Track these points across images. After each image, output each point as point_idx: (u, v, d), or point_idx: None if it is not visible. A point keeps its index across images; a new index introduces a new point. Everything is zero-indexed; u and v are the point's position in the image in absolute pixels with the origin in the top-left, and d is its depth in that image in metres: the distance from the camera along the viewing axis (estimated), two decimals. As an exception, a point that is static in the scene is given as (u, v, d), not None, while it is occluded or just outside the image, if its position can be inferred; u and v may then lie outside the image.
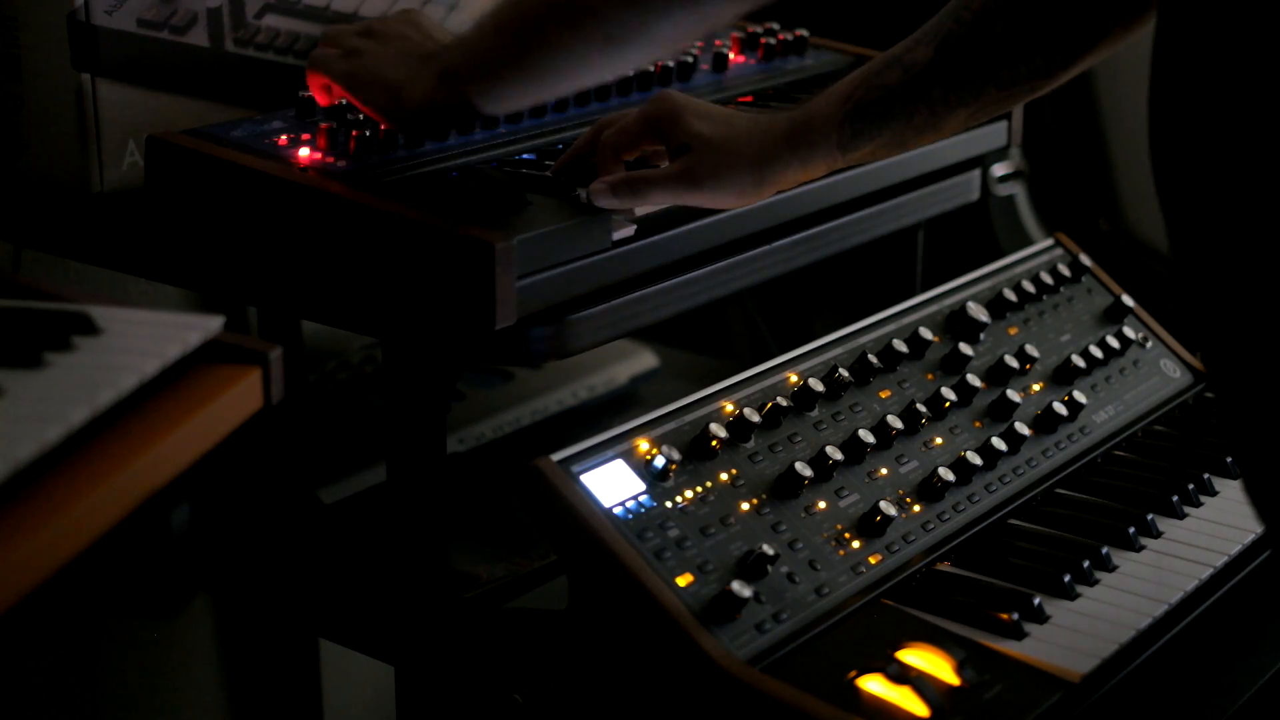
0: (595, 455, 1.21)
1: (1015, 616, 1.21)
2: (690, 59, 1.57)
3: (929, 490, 1.33)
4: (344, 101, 1.39)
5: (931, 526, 1.31)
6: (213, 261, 1.35)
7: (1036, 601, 1.22)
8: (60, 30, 1.37)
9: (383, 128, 1.33)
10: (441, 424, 1.30)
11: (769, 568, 1.19)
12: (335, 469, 1.54)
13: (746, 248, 1.42)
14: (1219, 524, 1.38)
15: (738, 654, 1.14)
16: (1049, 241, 1.65)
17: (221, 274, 1.35)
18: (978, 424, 1.42)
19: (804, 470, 1.27)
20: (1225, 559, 1.33)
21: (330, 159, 1.31)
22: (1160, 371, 1.59)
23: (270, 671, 1.88)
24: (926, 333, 1.44)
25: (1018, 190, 2.30)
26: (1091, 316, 1.60)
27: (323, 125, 1.33)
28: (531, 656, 1.29)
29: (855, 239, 1.54)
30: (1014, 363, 1.47)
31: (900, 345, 1.42)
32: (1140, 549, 1.33)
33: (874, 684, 1.13)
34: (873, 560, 1.26)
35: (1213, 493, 1.42)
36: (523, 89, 1.24)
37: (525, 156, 1.38)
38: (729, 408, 1.30)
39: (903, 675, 1.13)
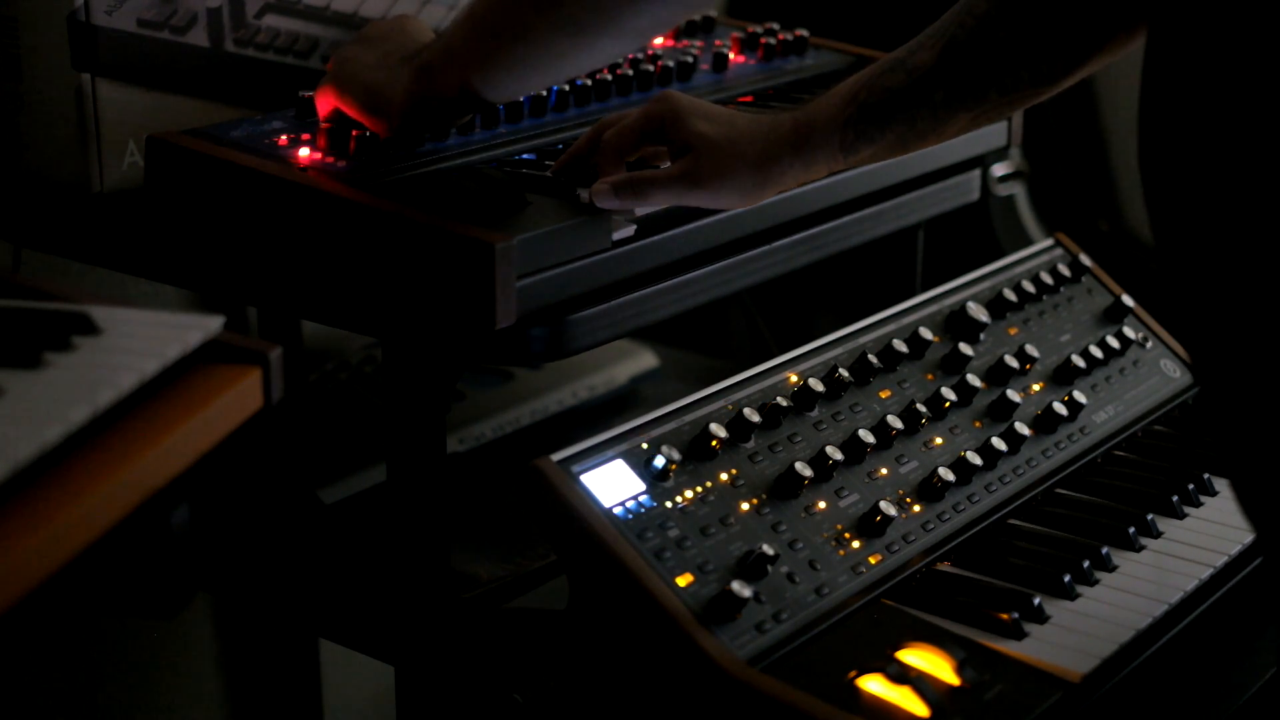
0: (595, 455, 1.21)
1: (1015, 616, 1.21)
2: (690, 59, 1.57)
3: (929, 490, 1.33)
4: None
5: (931, 526, 1.31)
6: (213, 261, 1.35)
7: (1036, 601, 1.22)
8: (60, 30, 1.37)
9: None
10: (441, 424, 1.30)
11: (769, 568, 1.19)
12: (335, 469, 1.54)
13: (746, 248, 1.41)
14: (1219, 524, 1.38)
15: (738, 654, 1.14)
16: (1049, 241, 1.65)
17: (221, 274, 1.35)
18: (978, 424, 1.42)
19: (804, 470, 1.27)
20: (1225, 559, 1.33)
21: (330, 159, 1.31)
22: (1160, 371, 1.59)
23: (270, 671, 1.88)
24: (926, 333, 1.44)
25: (1018, 190, 2.30)
26: (1091, 316, 1.60)
27: (323, 125, 1.33)
28: (531, 656, 1.29)
29: (855, 239, 1.54)
30: (1014, 363, 1.47)
31: (900, 345, 1.42)
32: (1140, 549, 1.33)
33: (874, 684, 1.13)
34: (873, 560, 1.26)
35: (1213, 493, 1.43)
36: (498, 80, 1.27)
37: (525, 156, 1.38)
38: (729, 408, 1.30)
39: (903, 675, 1.13)
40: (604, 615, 1.19)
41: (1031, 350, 1.49)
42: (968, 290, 1.53)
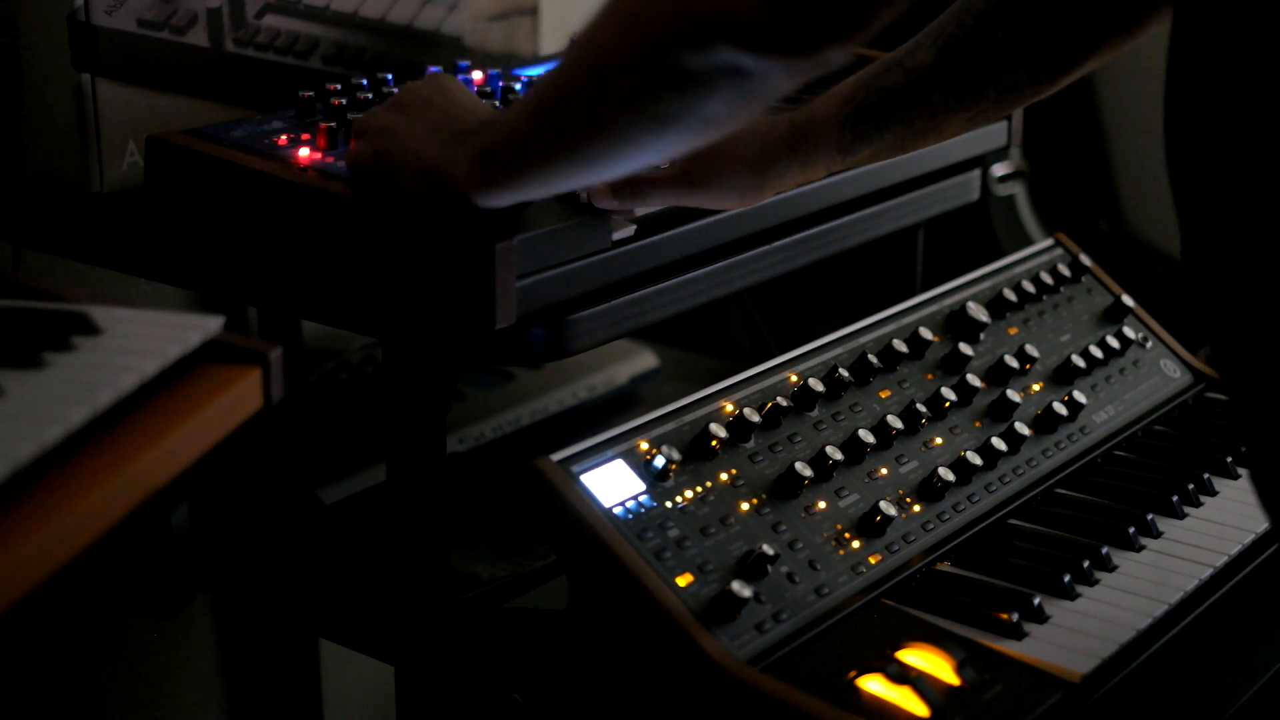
0: (595, 455, 1.21)
1: (1015, 616, 1.21)
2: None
3: (929, 490, 1.33)
4: (344, 102, 1.39)
5: (931, 526, 1.31)
6: (213, 261, 1.35)
7: (1036, 601, 1.22)
8: (60, 30, 1.37)
9: None
10: (441, 424, 1.30)
11: (769, 568, 1.19)
12: (335, 469, 1.54)
13: (746, 248, 1.41)
14: (1219, 524, 1.38)
15: (738, 654, 1.14)
16: (1049, 241, 1.65)
17: (221, 274, 1.35)
18: (978, 424, 1.42)
19: (804, 470, 1.27)
20: (1225, 559, 1.33)
21: (330, 159, 1.31)
22: (1160, 371, 1.59)
23: (270, 671, 1.88)
24: (926, 333, 1.44)
25: (1018, 190, 2.30)
26: (1091, 316, 1.60)
27: (323, 125, 1.33)
28: (531, 656, 1.28)
29: (855, 239, 1.54)
30: (1014, 363, 1.47)
31: (900, 345, 1.42)
32: (1140, 549, 1.33)
33: (874, 684, 1.13)
34: (873, 560, 1.26)
35: (1213, 493, 1.42)
36: (569, 173, 1.15)
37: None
38: (729, 408, 1.30)
39: (903, 675, 1.13)
40: (604, 615, 1.19)
41: (1031, 350, 1.49)
42: (968, 290, 1.53)
